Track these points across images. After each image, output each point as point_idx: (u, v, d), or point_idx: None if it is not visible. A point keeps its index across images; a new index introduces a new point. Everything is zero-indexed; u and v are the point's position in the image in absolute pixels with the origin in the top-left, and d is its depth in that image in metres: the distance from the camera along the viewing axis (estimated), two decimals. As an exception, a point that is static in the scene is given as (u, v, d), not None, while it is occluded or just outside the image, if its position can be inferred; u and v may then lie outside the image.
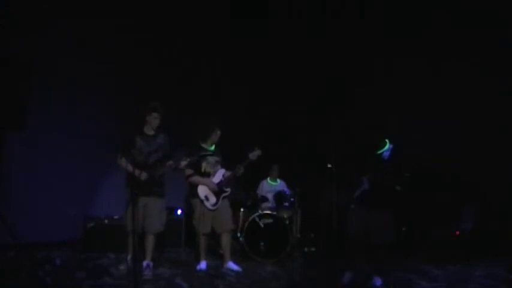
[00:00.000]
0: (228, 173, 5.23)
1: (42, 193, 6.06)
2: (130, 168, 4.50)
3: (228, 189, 5.23)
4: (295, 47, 7.24)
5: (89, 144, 6.36)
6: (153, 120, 4.74)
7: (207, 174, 5.16)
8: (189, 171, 5.11)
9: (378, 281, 4.44)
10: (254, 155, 5.16)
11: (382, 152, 4.50)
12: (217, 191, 5.14)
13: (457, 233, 6.15)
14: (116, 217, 6.06)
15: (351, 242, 4.52)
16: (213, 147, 5.30)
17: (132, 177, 4.53)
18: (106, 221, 6.04)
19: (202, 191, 5.09)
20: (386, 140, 4.51)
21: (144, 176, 4.61)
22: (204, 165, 5.15)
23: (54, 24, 6.20)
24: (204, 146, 5.24)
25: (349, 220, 4.59)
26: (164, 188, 4.86)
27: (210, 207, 5.08)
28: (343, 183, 4.55)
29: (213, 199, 5.11)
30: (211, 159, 5.22)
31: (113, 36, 6.66)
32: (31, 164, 6.04)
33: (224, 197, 5.19)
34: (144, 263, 4.73)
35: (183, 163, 4.66)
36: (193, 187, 5.12)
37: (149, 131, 4.80)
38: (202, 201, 5.06)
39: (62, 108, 6.39)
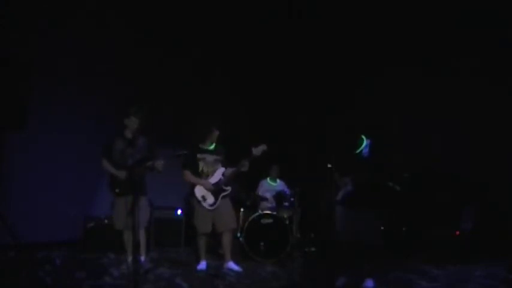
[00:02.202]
0: (230, 170, 5.16)
1: (42, 193, 6.06)
2: (111, 169, 4.86)
3: (228, 188, 5.18)
4: (294, 48, 7.23)
5: (89, 144, 6.34)
6: (132, 124, 4.91)
7: (205, 174, 5.14)
8: (186, 172, 5.11)
9: (370, 283, 4.31)
10: (258, 150, 5.01)
11: (361, 150, 4.37)
12: (215, 190, 5.11)
13: (457, 233, 6.14)
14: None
15: (340, 243, 4.45)
16: (212, 146, 5.25)
17: (115, 178, 4.87)
18: (106, 221, 6.03)
19: (198, 191, 5.09)
20: (363, 137, 4.38)
21: (123, 175, 4.80)
22: (201, 165, 5.13)
23: (54, 24, 6.20)
24: (202, 146, 5.21)
25: (338, 221, 4.50)
26: (146, 186, 4.99)
27: (208, 207, 5.07)
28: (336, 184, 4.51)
29: (210, 199, 5.09)
30: (210, 158, 5.18)
31: (113, 36, 6.67)
32: (31, 164, 6.04)
33: (224, 196, 5.15)
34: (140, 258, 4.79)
35: (160, 163, 4.73)
36: (192, 187, 5.12)
37: (129, 134, 4.95)
38: (199, 201, 5.07)
39: (62, 108, 6.39)
